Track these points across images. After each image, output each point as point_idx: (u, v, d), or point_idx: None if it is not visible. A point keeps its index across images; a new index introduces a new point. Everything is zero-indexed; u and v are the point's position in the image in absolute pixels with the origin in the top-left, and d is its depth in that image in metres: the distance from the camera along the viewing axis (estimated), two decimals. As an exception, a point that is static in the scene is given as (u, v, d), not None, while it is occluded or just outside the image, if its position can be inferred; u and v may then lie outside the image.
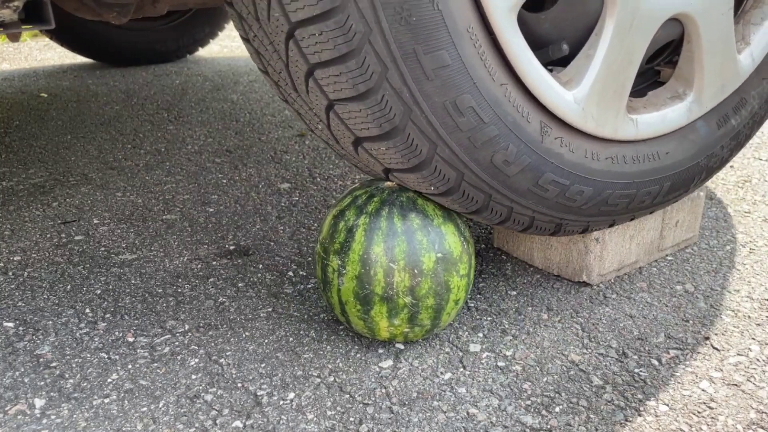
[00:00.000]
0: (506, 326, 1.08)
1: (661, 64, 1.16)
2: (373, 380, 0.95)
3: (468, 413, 0.89)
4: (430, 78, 0.81)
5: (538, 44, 0.99)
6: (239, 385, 0.95)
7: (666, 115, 1.06)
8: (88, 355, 1.01)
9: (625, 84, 0.99)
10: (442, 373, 0.97)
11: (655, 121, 1.06)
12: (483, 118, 0.87)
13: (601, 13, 0.94)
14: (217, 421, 0.88)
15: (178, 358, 1.01)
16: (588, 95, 0.95)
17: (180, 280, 1.23)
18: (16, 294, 1.19)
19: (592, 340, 1.05)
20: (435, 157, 0.88)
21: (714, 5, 1.01)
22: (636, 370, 0.98)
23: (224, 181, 1.73)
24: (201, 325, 1.09)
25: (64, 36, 3.06)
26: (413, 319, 0.93)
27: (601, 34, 0.94)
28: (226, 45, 3.94)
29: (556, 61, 1.01)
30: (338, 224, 0.94)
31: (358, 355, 1.01)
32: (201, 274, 1.25)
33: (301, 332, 1.07)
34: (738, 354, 1.01)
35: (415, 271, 0.91)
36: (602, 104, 0.97)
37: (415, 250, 0.91)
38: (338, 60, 0.80)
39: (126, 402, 0.92)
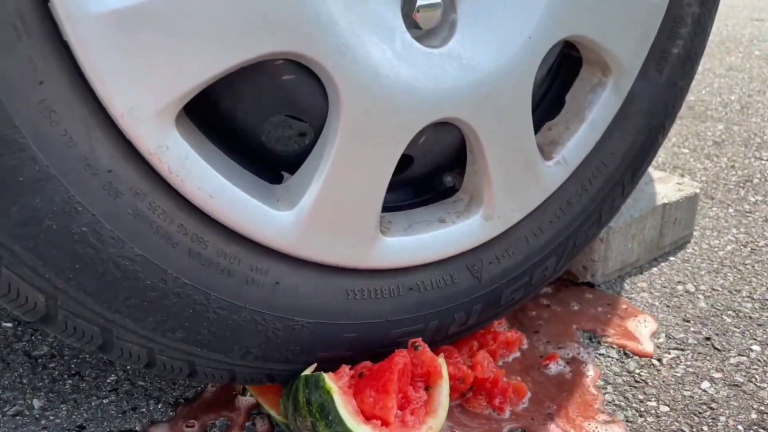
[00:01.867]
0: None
1: (451, 174, 0.93)
2: None
3: None
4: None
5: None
6: None
7: (442, 237, 0.87)
8: (87, 356, 1.01)
9: (370, 200, 0.79)
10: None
11: (425, 243, 0.86)
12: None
13: (328, 115, 0.74)
14: None
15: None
16: (310, 217, 0.75)
17: None
18: (15, 294, 1.19)
19: (593, 340, 1.05)
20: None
21: (499, 106, 0.82)
22: (636, 371, 0.98)
23: None
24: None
25: None
26: None
27: (326, 145, 0.74)
28: None
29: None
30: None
31: None
32: None
33: None
34: (739, 354, 1.01)
35: None
36: (335, 227, 0.78)
37: None
38: None
39: (125, 403, 0.92)
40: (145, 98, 0.62)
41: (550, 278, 1.01)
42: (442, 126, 0.81)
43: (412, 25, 0.74)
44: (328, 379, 0.77)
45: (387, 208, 0.87)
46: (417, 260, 0.86)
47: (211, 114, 0.76)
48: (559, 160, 0.93)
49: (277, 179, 0.80)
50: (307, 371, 0.81)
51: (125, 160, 0.64)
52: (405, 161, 0.85)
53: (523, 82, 0.83)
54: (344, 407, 0.76)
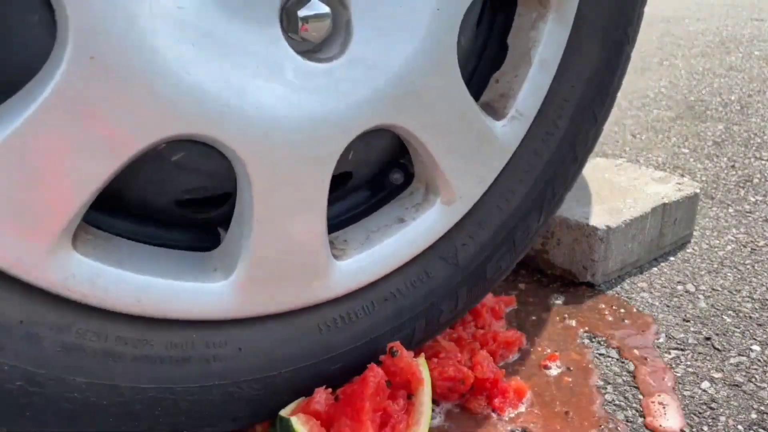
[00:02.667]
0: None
1: (398, 170, 0.88)
2: None
3: (468, 414, 0.89)
4: None
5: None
6: None
7: (405, 238, 0.82)
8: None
9: (310, 238, 0.73)
10: None
11: (387, 251, 0.82)
12: None
13: (236, 177, 0.68)
14: None
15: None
16: (251, 276, 0.71)
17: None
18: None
19: (593, 340, 1.05)
20: None
21: (425, 94, 0.74)
22: (636, 371, 0.98)
23: None
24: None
25: None
26: None
27: (245, 206, 0.69)
28: None
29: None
30: None
31: None
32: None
33: None
34: (739, 354, 1.01)
35: None
36: (281, 276, 0.73)
37: None
38: None
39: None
40: (29, 241, 0.58)
41: (536, 234, 0.95)
42: (370, 132, 0.74)
43: (301, 45, 0.66)
44: (297, 424, 0.74)
45: (341, 223, 0.83)
46: (383, 271, 0.81)
47: (121, 206, 0.71)
48: (514, 115, 0.84)
49: (215, 239, 0.76)
50: (286, 409, 0.78)
51: (35, 305, 0.61)
52: (343, 176, 0.81)
53: (444, 58, 0.74)
54: None
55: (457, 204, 0.84)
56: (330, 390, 0.80)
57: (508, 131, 0.85)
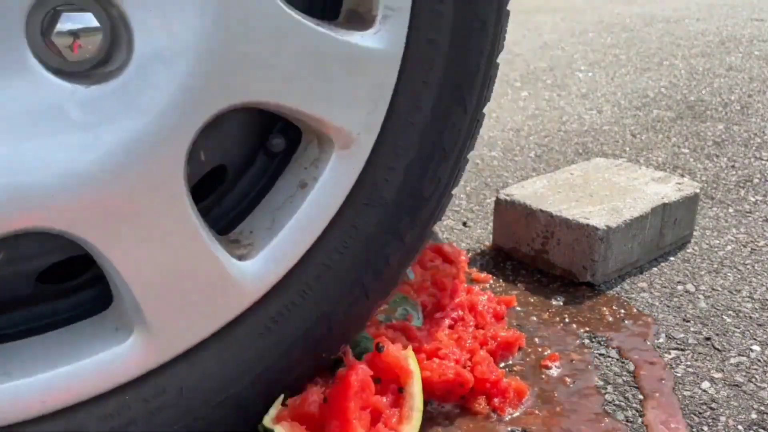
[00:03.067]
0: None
1: (278, 136, 0.78)
2: None
3: (468, 414, 0.89)
4: None
5: None
6: None
7: (311, 205, 0.74)
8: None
9: (197, 262, 0.67)
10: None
11: (301, 225, 0.74)
12: None
13: None
14: None
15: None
16: (156, 327, 0.66)
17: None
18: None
19: (593, 340, 1.05)
20: None
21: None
22: (636, 371, 0.98)
23: None
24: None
25: None
26: None
27: (105, 267, 0.63)
28: None
29: None
30: None
31: None
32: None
33: None
34: (739, 354, 1.01)
35: None
36: (186, 313, 0.68)
37: None
38: None
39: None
40: None
41: (468, 131, 0.82)
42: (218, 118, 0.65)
43: (74, 73, 0.55)
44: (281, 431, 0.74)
45: (241, 213, 0.77)
46: (305, 247, 0.74)
47: None
48: (385, 14, 0.70)
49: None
50: (267, 419, 0.77)
51: None
52: (219, 171, 0.75)
53: None
54: None
55: (357, 143, 0.73)
56: (322, 390, 0.79)
57: (385, 37, 0.71)
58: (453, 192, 0.88)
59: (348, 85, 0.70)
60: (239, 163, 0.77)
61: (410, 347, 0.85)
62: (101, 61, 0.56)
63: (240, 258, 0.70)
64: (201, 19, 0.58)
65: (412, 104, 0.76)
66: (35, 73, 0.52)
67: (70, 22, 0.52)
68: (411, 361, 0.81)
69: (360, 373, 0.78)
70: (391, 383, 0.81)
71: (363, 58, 0.70)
